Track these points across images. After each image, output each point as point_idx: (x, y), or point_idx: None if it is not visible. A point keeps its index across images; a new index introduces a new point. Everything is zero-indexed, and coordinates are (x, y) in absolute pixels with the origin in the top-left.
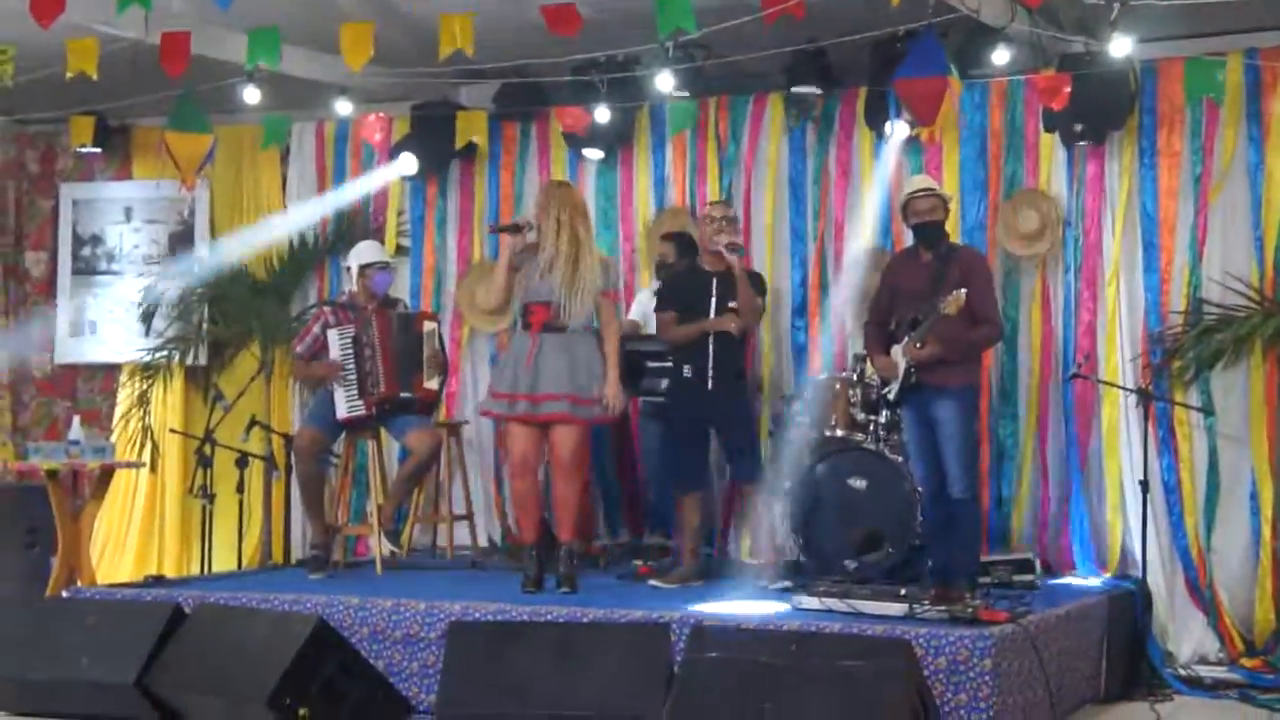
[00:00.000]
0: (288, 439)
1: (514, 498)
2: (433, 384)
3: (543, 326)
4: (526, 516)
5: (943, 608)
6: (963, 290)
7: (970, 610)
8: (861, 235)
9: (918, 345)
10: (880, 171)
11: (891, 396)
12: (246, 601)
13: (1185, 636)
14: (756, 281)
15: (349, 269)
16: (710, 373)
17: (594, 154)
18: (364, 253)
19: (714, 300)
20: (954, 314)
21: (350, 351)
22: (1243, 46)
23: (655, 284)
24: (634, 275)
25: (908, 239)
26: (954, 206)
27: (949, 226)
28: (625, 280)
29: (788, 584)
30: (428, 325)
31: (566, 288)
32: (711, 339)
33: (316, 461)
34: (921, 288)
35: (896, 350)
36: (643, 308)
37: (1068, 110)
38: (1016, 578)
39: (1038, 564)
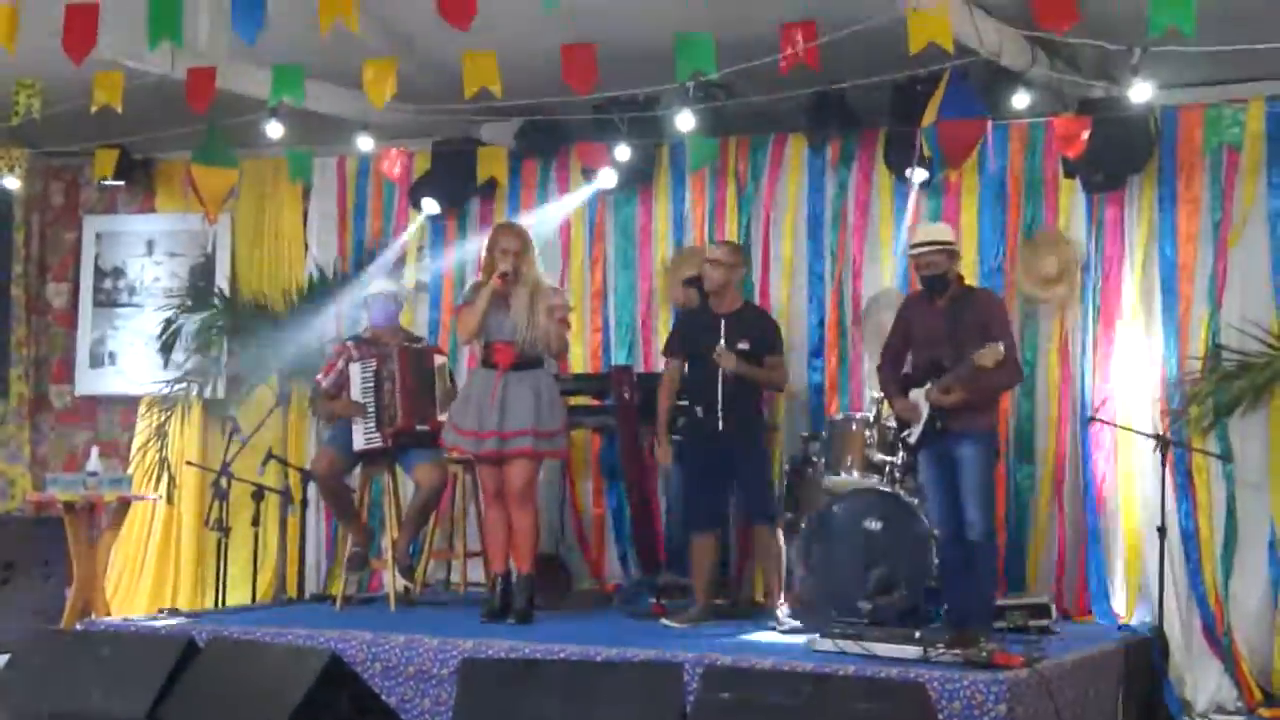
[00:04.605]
0: (304, 473)
1: (486, 526)
2: (445, 417)
3: (509, 365)
4: (496, 546)
5: (958, 651)
6: (1000, 344)
7: (985, 654)
8: (880, 277)
9: (944, 392)
10: (899, 214)
11: (913, 440)
12: (260, 635)
13: (1202, 685)
14: (772, 330)
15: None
16: (721, 413)
17: (608, 179)
18: (371, 286)
19: (723, 341)
20: (990, 367)
21: (371, 385)
22: (1265, 93)
23: None
24: (651, 316)
25: None
26: (973, 248)
27: (966, 268)
28: (642, 318)
29: (796, 624)
30: (438, 360)
31: (526, 325)
32: (720, 380)
33: (338, 483)
34: (936, 332)
35: (918, 394)
36: None
37: (1087, 155)
38: (1032, 622)
39: (1054, 609)
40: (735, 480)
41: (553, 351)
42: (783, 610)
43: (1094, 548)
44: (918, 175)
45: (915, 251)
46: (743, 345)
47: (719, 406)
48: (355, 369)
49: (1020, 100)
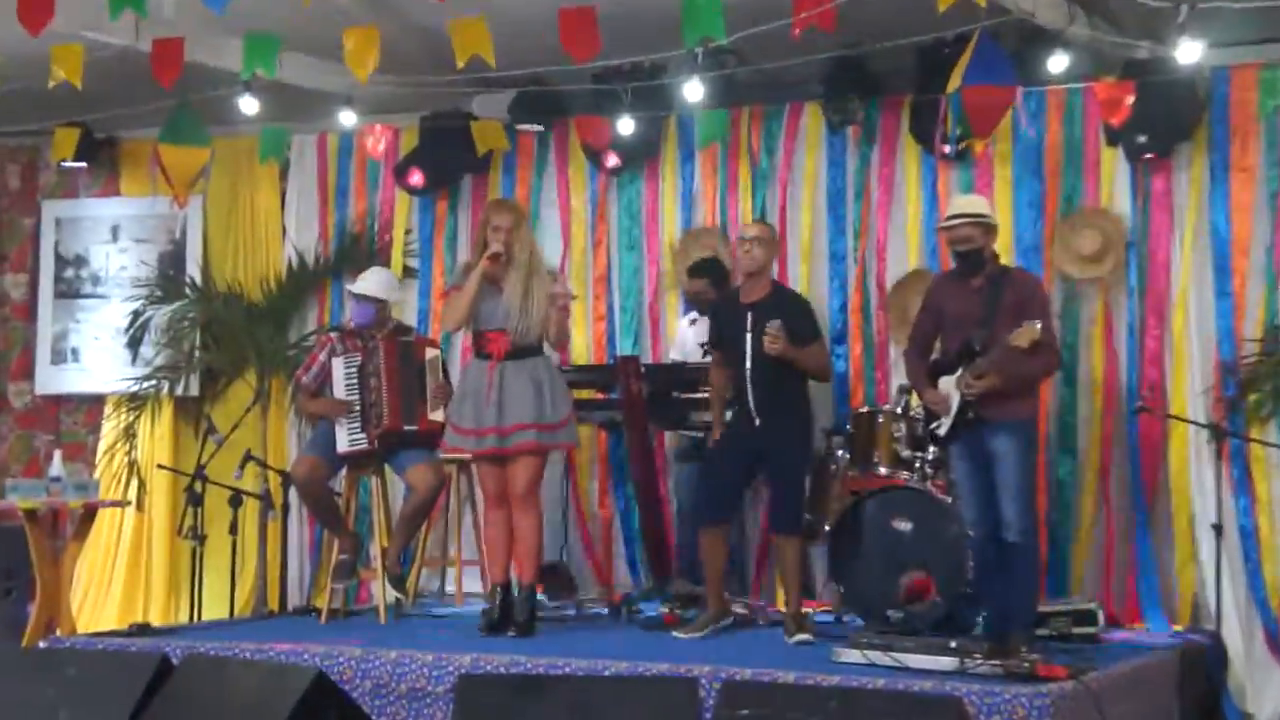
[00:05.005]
0: (285, 476)
1: (486, 531)
2: (437, 415)
3: (503, 354)
4: (496, 552)
5: (997, 662)
6: (1037, 323)
7: (1027, 665)
8: (906, 257)
9: (976, 378)
10: (926, 189)
11: (943, 433)
12: (239, 652)
13: (1266, 696)
14: (807, 314)
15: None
16: (754, 409)
17: (613, 160)
18: (356, 281)
19: (749, 335)
20: (1026, 347)
21: (355, 381)
22: None
23: (688, 315)
24: (658, 299)
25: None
26: (1007, 225)
27: (1000, 246)
28: (649, 304)
29: (807, 638)
30: (430, 353)
31: (520, 311)
32: (749, 375)
33: (321, 489)
34: (971, 315)
35: (947, 382)
36: (681, 342)
37: (1131, 121)
38: (1077, 630)
39: (1101, 615)
40: (762, 479)
41: (552, 342)
42: (799, 622)
43: (1144, 548)
44: (949, 147)
45: (948, 224)
46: (771, 330)
47: (750, 404)
48: (337, 363)
49: (1058, 63)
